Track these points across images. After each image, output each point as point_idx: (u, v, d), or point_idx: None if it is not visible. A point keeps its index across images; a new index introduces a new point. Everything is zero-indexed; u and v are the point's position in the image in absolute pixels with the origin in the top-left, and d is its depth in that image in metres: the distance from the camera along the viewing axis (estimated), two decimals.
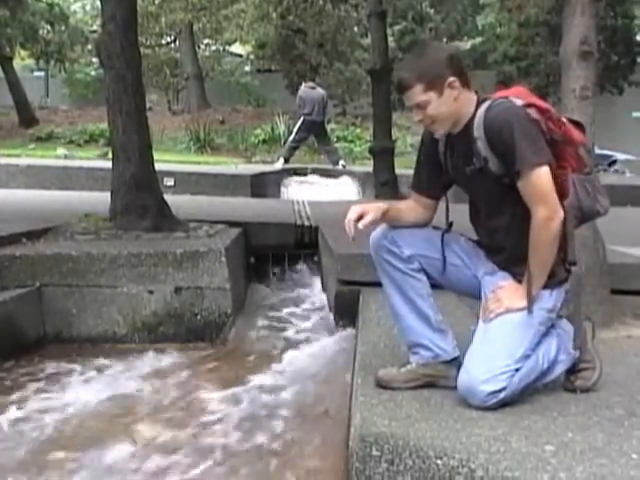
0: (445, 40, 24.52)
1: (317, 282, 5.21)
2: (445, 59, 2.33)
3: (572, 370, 2.42)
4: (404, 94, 2.35)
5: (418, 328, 2.44)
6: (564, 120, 2.36)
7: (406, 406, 2.22)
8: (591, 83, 3.55)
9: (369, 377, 2.47)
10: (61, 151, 13.71)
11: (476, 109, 2.34)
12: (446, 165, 2.51)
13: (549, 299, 2.35)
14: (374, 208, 2.41)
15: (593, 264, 3.46)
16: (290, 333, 4.37)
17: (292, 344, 4.15)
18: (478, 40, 24.10)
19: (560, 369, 2.38)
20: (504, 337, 2.26)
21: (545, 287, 2.33)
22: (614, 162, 20.84)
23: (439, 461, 1.87)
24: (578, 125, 2.44)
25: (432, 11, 24.07)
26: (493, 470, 1.80)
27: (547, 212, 2.23)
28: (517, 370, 2.22)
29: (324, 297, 4.84)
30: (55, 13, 17.24)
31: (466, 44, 26.27)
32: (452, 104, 2.33)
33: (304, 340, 4.21)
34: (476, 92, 2.39)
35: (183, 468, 2.57)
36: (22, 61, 21.46)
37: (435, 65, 2.32)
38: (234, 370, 3.71)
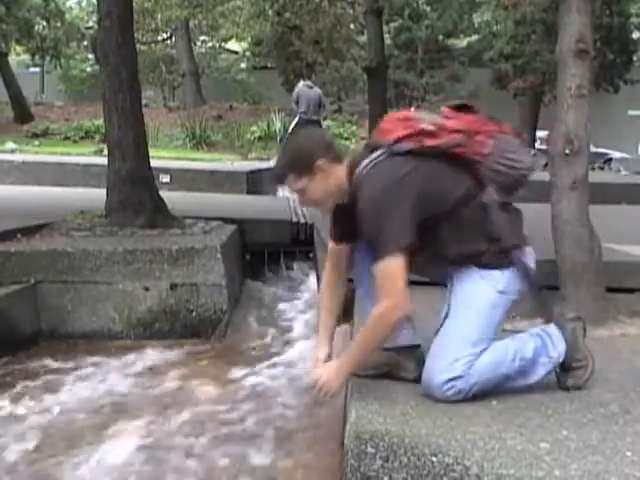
0: (441, 37, 24.57)
1: (313, 279, 5.21)
2: (308, 145, 2.38)
3: (564, 369, 2.42)
4: (282, 185, 2.43)
5: None
6: (447, 124, 2.32)
7: (401, 403, 2.22)
8: (587, 81, 3.55)
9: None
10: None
11: (351, 176, 2.33)
12: None
13: (500, 279, 2.32)
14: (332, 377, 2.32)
15: (588, 262, 3.46)
16: (285, 330, 4.37)
17: (287, 341, 4.17)
18: (474, 38, 24.14)
19: (543, 371, 2.37)
20: (456, 326, 2.28)
21: (493, 267, 2.32)
22: (609, 160, 20.92)
23: (434, 458, 1.88)
24: (469, 109, 2.40)
25: (428, 8, 24.09)
26: (488, 467, 1.80)
27: (390, 304, 2.18)
28: (477, 356, 2.22)
29: (320, 294, 4.83)
30: (51, 9, 17.23)
31: (462, 42, 26.31)
32: (327, 183, 2.35)
33: (299, 337, 4.21)
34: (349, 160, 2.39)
35: (179, 464, 2.57)
36: (17, 57, 21.42)
37: (300, 153, 2.36)
38: (229, 366, 3.71)
